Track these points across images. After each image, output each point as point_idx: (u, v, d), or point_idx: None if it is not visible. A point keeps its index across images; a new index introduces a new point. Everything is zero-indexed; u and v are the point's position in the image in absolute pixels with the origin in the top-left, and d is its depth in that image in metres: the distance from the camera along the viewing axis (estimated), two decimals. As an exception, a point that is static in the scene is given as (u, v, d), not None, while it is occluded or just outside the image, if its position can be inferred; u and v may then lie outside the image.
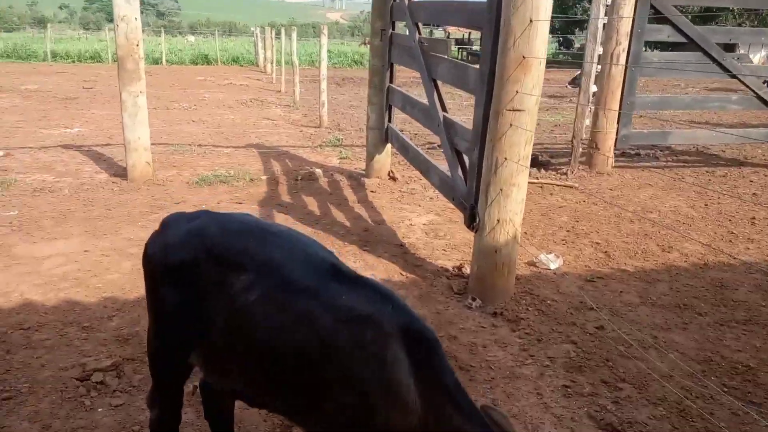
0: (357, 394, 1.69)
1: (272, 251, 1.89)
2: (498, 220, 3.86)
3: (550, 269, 4.71)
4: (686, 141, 8.58)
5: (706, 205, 6.63)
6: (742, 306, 4.19)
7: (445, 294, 4.22)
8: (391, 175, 7.20)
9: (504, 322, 3.84)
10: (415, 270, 4.61)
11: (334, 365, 1.71)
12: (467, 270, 4.52)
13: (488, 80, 3.78)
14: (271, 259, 1.86)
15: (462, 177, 4.45)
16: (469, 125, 4.32)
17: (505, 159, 3.74)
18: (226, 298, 1.84)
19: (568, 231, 5.61)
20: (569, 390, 3.17)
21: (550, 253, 4.93)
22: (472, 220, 4.06)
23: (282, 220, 5.59)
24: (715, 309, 4.15)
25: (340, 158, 8.47)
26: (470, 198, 4.12)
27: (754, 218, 6.17)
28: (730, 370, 3.39)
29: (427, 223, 5.72)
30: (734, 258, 5.06)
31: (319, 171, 7.39)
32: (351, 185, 6.98)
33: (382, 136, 6.98)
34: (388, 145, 7.08)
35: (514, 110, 3.61)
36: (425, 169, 5.44)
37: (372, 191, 6.73)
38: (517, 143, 3.70)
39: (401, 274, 4.54)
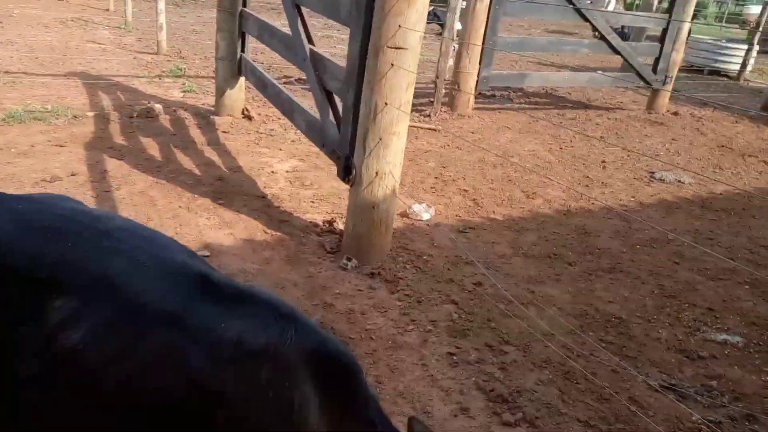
0: None
1: (107, 260, 1.32)
2: (377, 173, 3.49)
3: (422, 220, 4.48)
4: (544, 83, 8.77)
5: (561, 148, 6.80)
6: (606, 253, 4.28)
7: (317, 254, 3.82)
8: (245, 113, 6.50)
9: (382, 284, 3.54)
10: (280, 226, 4.13)
11: (216, 422, 1.24)
12: (339, 225, 4.14)
13: (366, 11, 3.29)
14: (107, 272, 1.30)
15: (334, 122, 3.99)
16: (342, 62, 3.83)
17: (386, 104, 3.34)
18: (34, 339, 1.23)
19: (436, 178, 5.41)
20: (455, 358, 2.97)
21: (422, 202, 4.70)
22: (347, 173, 3.65)
23: (116, 167, 4.76)
24: (582, 258, 4.19)
25: (184, 91, 7.51)
26: (345, 147, 3.69)
27: (604, 162, 6.43)
28: (605, 324, 3.40)
29: (290, 170, 5.21)
30: (593, 202, 5.20)
31: (158, 106, 6.45)
32: (198, 124, 6.18)
33: (234, 68, 6.21)
34: (242, 79, 6.34)
35: (396, 48, 3.19)
36: (288, 110, 4.88)
37: (224, 132, 6.02)
38: (399, 86, 3.31)
39: (265, 232, 4.04)
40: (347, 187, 3.70)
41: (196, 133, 5.92)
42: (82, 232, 1.37)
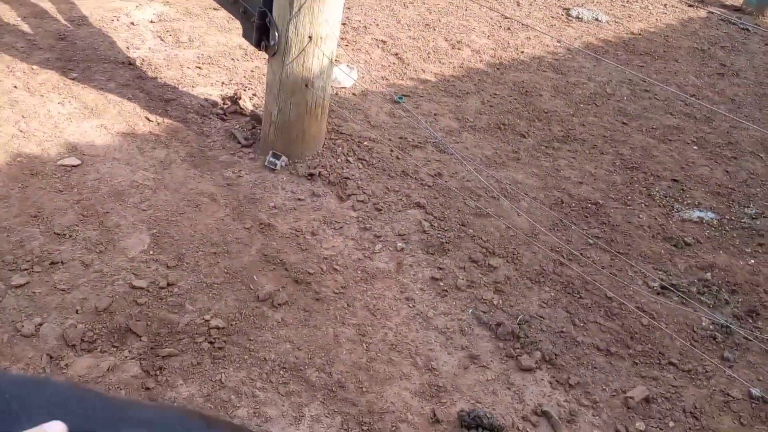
0: None
1: None
2: (310, 38, 2.55)
3: (345, 88, 3.62)
4: None
5: (467, -20, 5.94)
6: (554, 118, 3.79)
7: (227, 149, 2.90)
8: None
9: (326, 187, 2.77)
10: (167, 110, 3.08)
11: None
12: (247, 103, 3.18)
13: None
14: None
15: (230, -39, 2.84)
16: None
17: (321, -60, 2.31)
18: None
19: (343, 24, 4.42)
20: (441, 284, 2.41)
21: (339, 62, 3.78)
22: (263, 37, 2.65)
23: None
24: (533, 126, 3.66)
25: None
26: (258, 1, 2.64)
27: (518, 1, 5.73)
28: (584, 212, 2.99)
29: (155, 20, 3.93)
30: (522, 51, 4.59)
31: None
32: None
33: None
34: None
35: None
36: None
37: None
38: None
39: (148, 119, 2.99)
40: (246, 46, 2.73)
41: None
42: None
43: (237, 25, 3.98)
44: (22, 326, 1.87)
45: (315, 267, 2.35)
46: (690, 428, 2.05)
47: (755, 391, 2.18)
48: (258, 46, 2.71)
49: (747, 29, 5.91)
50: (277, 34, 2.58)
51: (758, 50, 5.45)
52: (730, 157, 3.73)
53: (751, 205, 3.29)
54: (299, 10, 2.48)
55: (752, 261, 2.87)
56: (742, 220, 3.15)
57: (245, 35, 2.82)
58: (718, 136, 3.95)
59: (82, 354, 1.87)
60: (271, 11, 2.60)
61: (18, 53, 3.27)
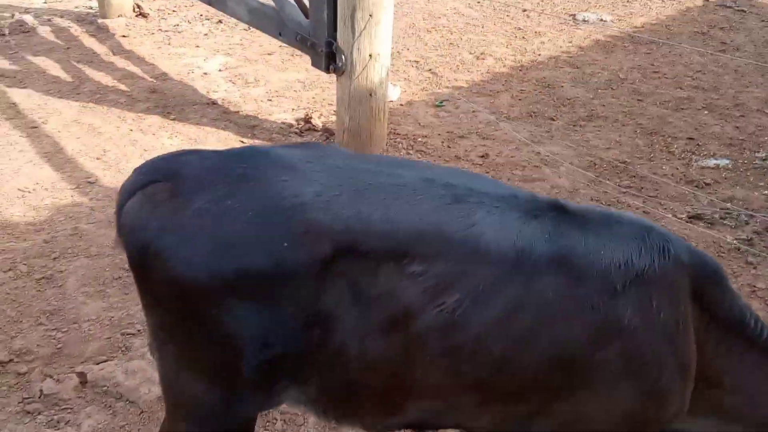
0: (639, 379, 1.21)
1: (454, 213, 1.17)
2: (370, 56, 3.17)
3: (393, 101, 4.23)
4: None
5: (479, 2, 6.60)
6: (577, 102, 4.34)
7: (312, 155, 3.51)
8: (138, 10, 5.59)
9: (396, 174, 3.35)
10: (255, 133, 3.73)
11: (613, 352, 1.17)
12: (316, 120, 3.81)
13: None
14: (468, 229, 1.16)
15: (296, 4, 3.51)
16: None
17: (373, -25, 2.95)
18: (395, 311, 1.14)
19: (380, 52, 5.08)
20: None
21: (385, 81, 4.41)
22: (331, 61, 3.28)
23: (24, 98, 3.98)
24: (559, 111, 4.21)
25: (43, -6, 6.30)
26: (322, 32, 3.28)
27: (525, 10, 6.34)
28: (614, 170, 3.50)
29: (223, 68, 4.64)
30: (539, 54, 5.18)
31: (29, 17, 5.38)
32: (89, 32, 5.26)
33: (113, -42, 5.23)
34: (125, -30, 5.38)
35: None
36: (215, -2, 4.22)
37: (123, 36, 5.18)
38: (388, -47, 2.92)
39: (242, 142, 3.64)
40: (304, 79, 3.35)
41: (91, 42, 5.04)
42: (404, 187, 1.19)
43: (292, 65, 4.68)
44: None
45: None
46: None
47: (778, 283, 2.64)
48: (327, 70, 3.34)
49: (743, 10, 6.42)
50: (343, 56, 3.21)
51: (755, 26, 5.94)
52: (738, 116, 4.21)
53: (761, 151, 3.77)
54: (360, 34, 3.11)
55: (766, 192, 3.34)
56: (754, 162, 3.63)
57: (314, 64, 3.46)
58: (725, 100, 4.44)
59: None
60: (335, 39, 3.23)
61: (123, 106, 3.97)
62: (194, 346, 1.22)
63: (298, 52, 4.95)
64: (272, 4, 3.67)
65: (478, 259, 1.15)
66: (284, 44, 5.12)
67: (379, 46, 3.16)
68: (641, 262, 1.17)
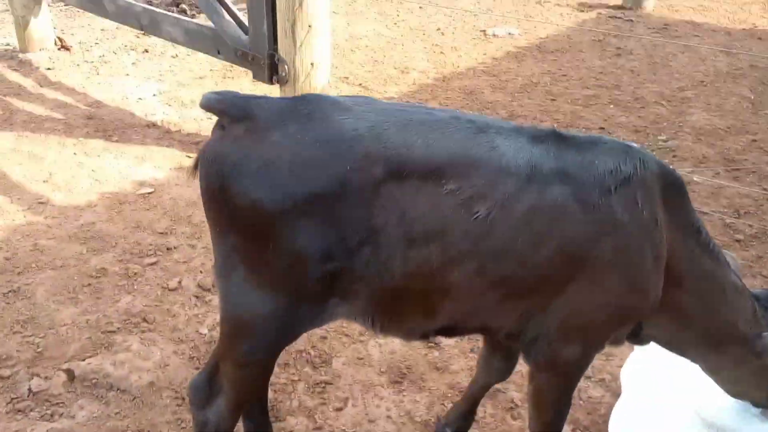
0: (628, 270, 1.50)
1: (478, 142, 1.45)
2: (312, 64, 3.38)
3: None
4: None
5: (395, 24, 6.98)
6: (497, 105, 4.72)
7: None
8: (60, 43, 5.55)
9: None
10: (200, 148, 3.82)
11: (607, 246, 1.46)
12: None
13: None
14: (490, 152, 1.44)
15: (233, 21, 3.67)
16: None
17: (310, -11, 3.18)
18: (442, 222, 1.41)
19: (310, 71, 5.30)
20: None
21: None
22: (274, 72, 3.46)
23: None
24: (483, 113, 4.57)
25: (-47, 34, 6.12)
26: (263, 45, 3.46)
27: (439, 28, 6.78)
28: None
29: (157, 93, 4.70)
30: (458, 66, 5.57)
31: (-57, 56, 5.23)
32: (10, 67, 5.17)
33: (32, -9, 5.20)
34: (45, 4, 5.35)
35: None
36: (148, 23, 4.31)
37: (49, 69, 5.14)
38: (323, -33, 3.16)
39: (188, 157, 3.73)
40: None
41: (15, 76, 4.97)
42: (430, 123, 1.46)
43: (227, 86, 4.81)
44: (167, 284, 2.54)
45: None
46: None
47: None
48: (271, 81, 3.52)
49: (631, 20, 7.14)
50: (286, 67, 3.40)
51: (644, 33, 6.63)
52: (639, 108, 4.72)
53: (662, 134, 4.25)
54: (301, 45, 3.32)
55: (671, 167, 3.78)
56: (658, 144, 4.09)
57: (256, 77, 3.63)
58: (627, 95, 4.97)
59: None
60: (277, 51, 3.42)
61: (61, 132, 3.97)
62: (265, 263, 1.42)
63: (231, 75, 5.14)
64: (209, 23, 3.82)
65: (503, 174, 1.42)
66: (215, 68, 5.30)
67: (319, 56, 3.37)
68: (627, 168, 1.47)
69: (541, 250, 1.45)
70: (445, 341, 2.49)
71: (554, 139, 1.50)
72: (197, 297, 2.50)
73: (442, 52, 5.99)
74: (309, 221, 1.37)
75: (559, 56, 5.90)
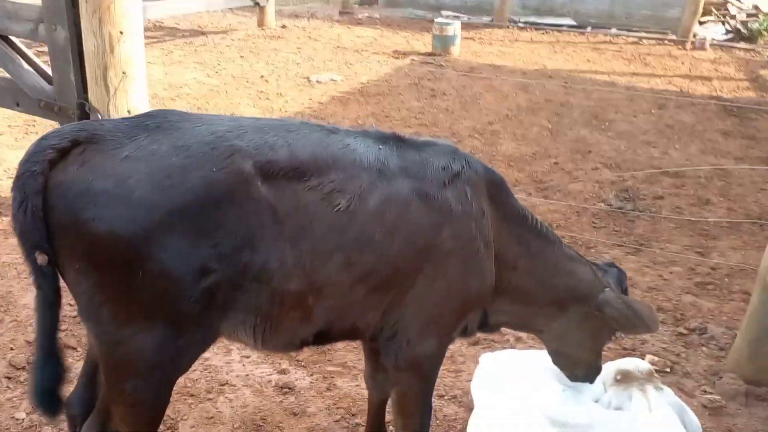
0: (464, 256, 1.63)
1: (333, 145, 1.54)
2: (129, 111, 3.17)
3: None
4: (166, 14, 8.39)
5: (217, 72, 6.87)
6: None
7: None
8: None
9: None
10: (1, 210, 3.39)
11: (446, 234, 1.59)
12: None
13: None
14: (344, 153, 1.53)
15: (33, 70, 3.35)
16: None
17: (121, 33, 3.01)
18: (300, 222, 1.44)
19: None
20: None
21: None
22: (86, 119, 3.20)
23: None
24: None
25: None
26: (71, 94, 3.19)
27: (263, 76, 6.80)
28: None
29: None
30: (286, 111, 5.60)
31: None
32: None
33: None
34: None
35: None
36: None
37: None
38: (134, 11, 3.02)
39: (-11, 220, 3.28)
40: None
41: None
42: (291, 125, 1.53)
43: (30, 140, 4.36)
44: None
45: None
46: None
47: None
48: (81, 131, 3.24)
49: (441, 65, 7.75)
50: (99, 115, 3.16)
51: (453, 76, 7.21)
52: (456, 141, 5.08)
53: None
54: (115, 92, 3.11)
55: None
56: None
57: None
58: (444, 131, 5.34)
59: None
60: (87, 100, 3.18)
61: None
62: (135, 294, 1.29)
63: (34, 129, 4.68)
64: (6, 75, 3.46)
65: (357, 169, 1.50)
66: (15, 124, 4.80)
67: (136, 102, 3.18)
68: (456, 166, 1.63)
69: (394, 241, 1.54)
70: (298, 384, 2.41)
71: (395, 140, 1.64)
72: (9, 378, 2.15)
73: (267, 98, 6.00)
74: (177, 236, 1.29)
75: (381, 99, 6.19)
